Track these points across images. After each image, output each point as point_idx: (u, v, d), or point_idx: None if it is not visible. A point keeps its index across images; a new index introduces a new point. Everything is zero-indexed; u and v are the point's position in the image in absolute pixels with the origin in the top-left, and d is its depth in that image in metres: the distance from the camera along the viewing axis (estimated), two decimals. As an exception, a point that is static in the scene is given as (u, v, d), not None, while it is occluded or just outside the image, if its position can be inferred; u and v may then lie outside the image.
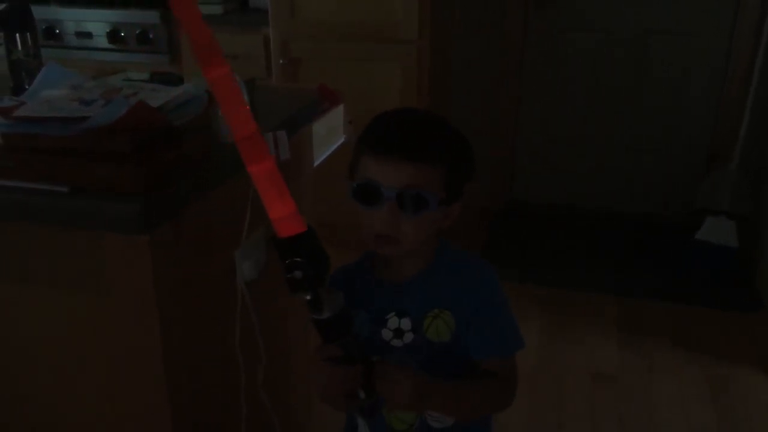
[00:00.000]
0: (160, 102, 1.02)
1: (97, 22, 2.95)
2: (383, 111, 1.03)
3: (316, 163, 1.71)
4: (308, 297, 0.86)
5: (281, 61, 2.70)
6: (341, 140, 1.81)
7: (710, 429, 2.01)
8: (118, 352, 1.12)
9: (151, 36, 2.89)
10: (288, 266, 0.85)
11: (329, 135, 1.73)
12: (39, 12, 3.01)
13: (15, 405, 1.26)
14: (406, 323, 1.04)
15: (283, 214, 0.83)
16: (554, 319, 2.52)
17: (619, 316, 2.55)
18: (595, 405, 2.10)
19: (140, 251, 1.02)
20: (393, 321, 1.04)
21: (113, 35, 2.93)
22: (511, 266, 2.81)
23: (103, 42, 2.96)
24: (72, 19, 2.97)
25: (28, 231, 1.06)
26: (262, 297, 1.36)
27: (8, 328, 1.19)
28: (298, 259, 0.84)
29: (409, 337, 1.04)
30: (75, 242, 1.06)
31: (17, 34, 1.45)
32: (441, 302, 1.03)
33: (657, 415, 2.06)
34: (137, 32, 2.90)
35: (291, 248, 0.84)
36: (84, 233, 1.03)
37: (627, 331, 2.46)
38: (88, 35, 2.97)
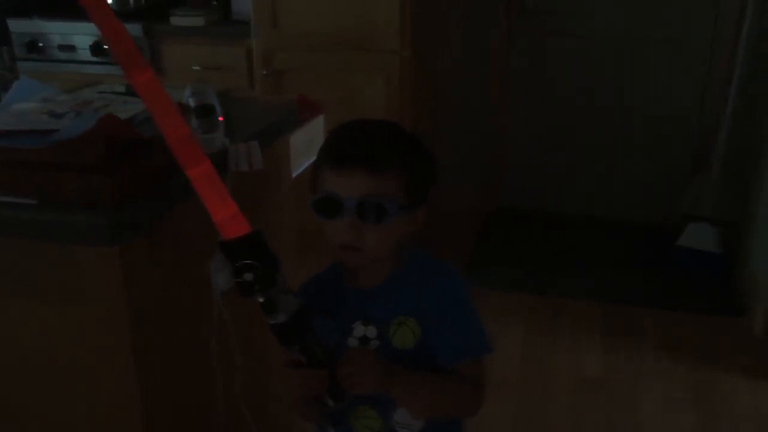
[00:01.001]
0: (130, 114, 1.01)
1: (80, 35, 2.94)
2: (339, 124, 1.04)
3: (296, 173, 1.71)
4: (261, 300, 0.86)
5: (264, 73, 2.71)
6: (321, 150, 1.81)
7: (694, 431, 2.01)
8: (92, 364, 1.11)
9: (133, 48, 2.89)
10: (237, 269, 0.84)
11: (309, 145, 1.73)
12: (21, 26, 3.02)
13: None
14: (371, 331, 1.04)
15: (226, 216, 0.83)
16: (540, 324, 2.52)
17: (605, 322, 2.55)
18: (581, 410, 2.10)
19: (111, 263, 1.02)
20: (359, 329, 1.05)
21: (96, 48, 2.93)
22: (498, 272, 2.81)
23: (86, 55, 2.95)
24: (55, 32, 2.97)
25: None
26: (240, 307, 1.36)
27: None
28: (247, 261, 0.84)
29: (374, 345, 1.04)
30: (47, 254, 1.06)
31: (-7, 48, 1.45)
32: (406, 309, 1.03)
33: (642, 419, 2.07)
34: (120, 45, 2.89)
35: (238, 250, 0.84)
36: (55, 246, 1.03)
37: (612, 336, 2.47)
38: (72, 48, 2.97)
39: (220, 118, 1.21)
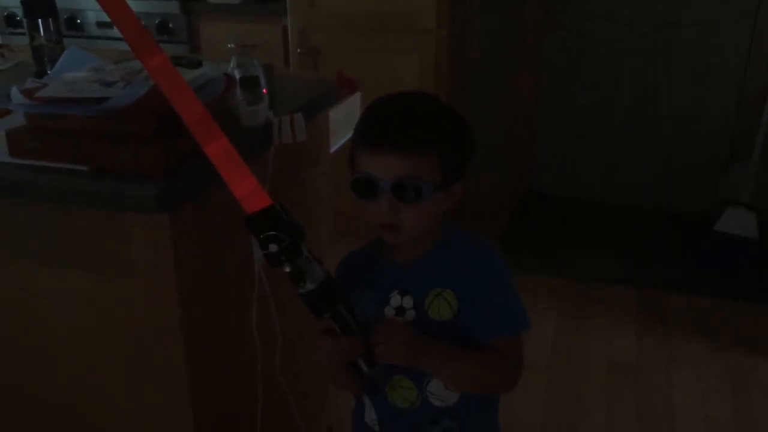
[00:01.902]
0: (179, 83, 1.02)
1: (117, 13, 2.97)
2: (375, 102, 1.03)
3: (333, 149, 1.71)
4: (288, 270, 0.87)
5: (299, 51, 2.71)
6: (358, 127, 1.82)
7: (729, 421, 1.99)
8: (140, 332, 1.14)
9: (170, 25, 2.92)
10: (262, 241, 0.86)
11: (346, 122, 1.74)
12: (61, 2, 3.01)
13: (37, 382, 1.28)
14: (408, 301, 1.04)
15: (246, 190, 0.85)
16: (573, 309, 2.51)
17: (639, 307, 2.53)
18: (613, 395, 2.09)
19: (161, 231, 1.03)
20: (395, 299, 1.05)
21: (133, 25, 2.95)
22: (531, 257, 2.80)
23: (123, 32, 2.98)
24: (93, 8, 3.00)
25: (51, 211, 1.08)
26: (280, 279, 1.37)
27: (31, 308, 1.21)
28: (271, 233, 0.85)
29: (410, 315, 1.04)
30: (97, 222, 1.07)
31: (40, 21, 1.47)
32: (443, 281, 1.03)
33: (675, 405, 2.05)
34: (157, 21, 2.92)
35: (261, 223, 0.86)
36: (106, 213, 1.05)
37: (646, 321, 2.45)
38: (109, 25, 3.00)
39: (264, 91, 1.21)
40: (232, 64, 1.19)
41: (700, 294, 2.60)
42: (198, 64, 1.17)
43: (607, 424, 1.99)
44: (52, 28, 1.48)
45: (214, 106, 1.13)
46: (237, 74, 1.18)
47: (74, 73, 1.09)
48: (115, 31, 3.02)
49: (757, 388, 2.12)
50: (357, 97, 1.86)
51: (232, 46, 2.80)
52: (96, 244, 1.10)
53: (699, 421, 1.99)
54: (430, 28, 2.59)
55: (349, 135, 1.82)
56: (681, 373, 2.19)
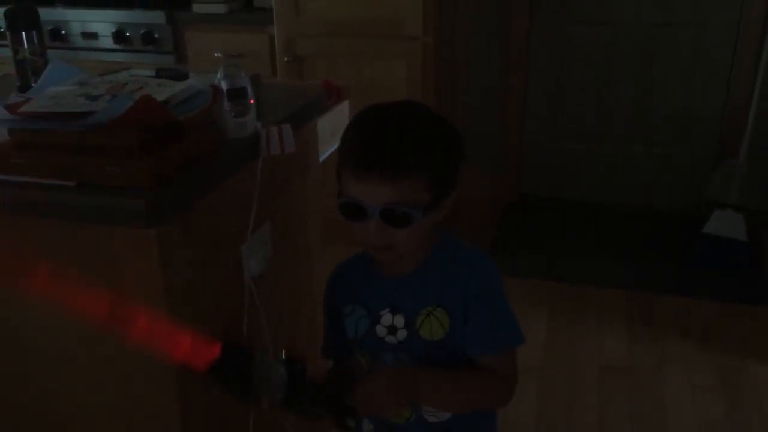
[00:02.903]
0: (165, 96, 1.02)
1: (102, 23, 2.96)
2: (360, 115, 1.01)
3: (322, 158, 1.71)
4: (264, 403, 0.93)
5: (286, 59, 2.71)
6: (347, 136, 1.81)
7: (721, 422, 2.00)
8: (129, 348, 1.12)
9: (156, 36, 2.90)
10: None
11: (335, 130, 1.73)
12: (45, 14, 2.99)
13: (24, 399, 1.26)
14: (399, 320, 1.03)
15: (189, 347, 0.89)
16: (563, 312, 2.52)
17: (629, 310, 2.54)
18: (605, 398, 2.10)
19: (148, 246, 1.02)
20: (386, 318, 1.04)
21: (119, 35, 2.94)
22: (520, 260, 2.80)
23: (108, 42, 2.97)
24: (77, 20, 2.98)
25: (37, 226, 1.07)
26: (270, 292, 1.36)
27: (18, 324, 1.19)
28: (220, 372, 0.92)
29: (402, 335, 1.03)
30: (84, 237, 1.06)
31: (23, 33, 1.46)
32: (434, 299, 1.02)
33: (668, 407, 2.06)
34: (142, 32, 2.90)
35: (221, 370, 0.92)
36: (93, 228, 1.04)
37: (637, 324, 2.45)
38: (94, 36, 2.98)
39: (252, 101, 1.21)
40: (218, 75, 1.18)
41: (690, 296, 2.61)
42: (184, 76, 1.17)
43: (600, 427, 1.99)
44: (35, 41, 1.47)
45: (201, 119, 1.13)
46: (224, 85, 1.17)
47: (59, 88, 1.08)
48: (100, 42, 3.02)
49: (749, 388, 2.13)
50: (345, 105, 1.85)
51: (219, 55, 2.79)
52: (84, 259, 1.09)
53: (692, 423, 2.00)
54: (417, 34, 2.59)
55: (337, 144, 1.82)
56: (672, 375, 2.19)
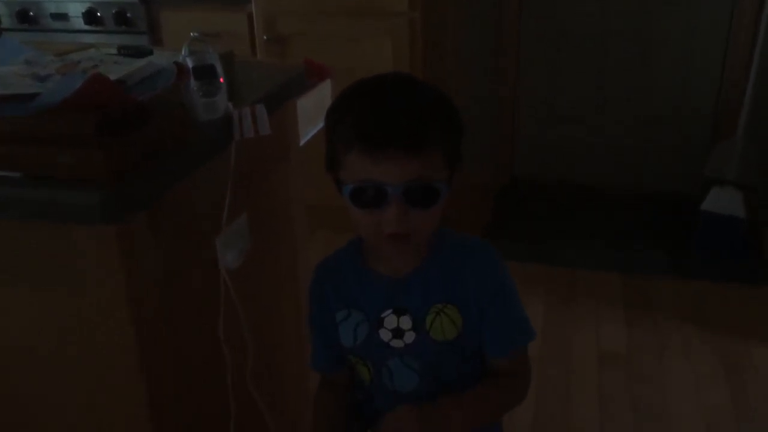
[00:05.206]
0: (121, 74, 0.91)
1: (72, 3, 2.82)
2: (353, 92, 0.90)
3: (303, 141, 1.61)
4: None
5: (265, 38, 2.58)
6: (330, 117, 1.71)
7: (725, 407, 1.93)
8: (94, 352, 1.02)
9: (129, 15, 2.77)
10: None
11: (317, 111, 1.63)
12: (11, -8, 2.90)
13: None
14: (406, 321, 0.94)
15: None
16: (560, 298, 2.44)
17: (626, 294, 2.46)
18: (604, 385, 2.02)
19: (107, 244, 0.92)
20: (390, 320, 0.94)
21: (90, 16, 2.80)
22: (515, 244, 2.71)
23: (79, 23, 2.83)
24: (47, 0, 2.84)
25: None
26: (248, 286, 1.27)
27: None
28: None
29: (410, 337, 0.94)
30: (39, 235, 0.96)
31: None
32: (444, 296, 0.93)
33: (669, 394, 1.99)
34: (114, 11, 2.77)
35: None
36: (48, 225, 0.93)
37: (635, 308, 2.38)
38: (64, 17, 2.84)
39: (221, 80, 1.10)
40: (183, 52, 1.07)
41: (690, 277, 2.53)
42: (147, 53, 1.06)
43: (600, 414, 1.92)
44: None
45: (166, 100, 1.02)
46: (190, 63, 1.07)
47: (4, 68, 0.97)
48: (71, 23, 2.88)
49: (752, 372, 2.06)
50: (327, 84, 1.75)
51: (196, 35, 2.66)
52: (41, 259, 0.98)
53: (695, 409, 1.93)
54: (402, 10, 2.48)
55: (320, 125, 1.71)
56: (672, 360, 2.12)
